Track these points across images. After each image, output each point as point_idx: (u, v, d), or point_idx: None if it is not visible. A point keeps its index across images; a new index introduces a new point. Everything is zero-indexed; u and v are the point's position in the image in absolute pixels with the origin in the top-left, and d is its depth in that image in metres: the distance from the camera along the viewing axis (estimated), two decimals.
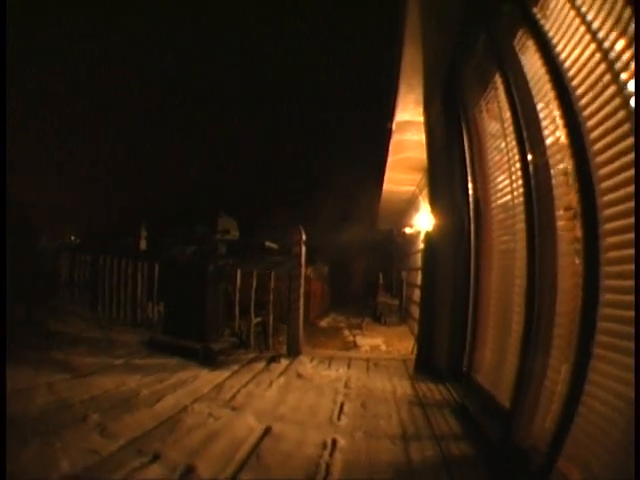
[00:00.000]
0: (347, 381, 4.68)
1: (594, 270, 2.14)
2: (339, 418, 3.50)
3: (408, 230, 12.78)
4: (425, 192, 8.16)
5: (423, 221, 8.73)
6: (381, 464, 2.68)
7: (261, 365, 5.31)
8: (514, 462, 2.65)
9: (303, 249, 6.08)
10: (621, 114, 2.02)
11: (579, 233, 2.33)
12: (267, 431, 3.11)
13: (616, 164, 2.06)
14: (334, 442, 2.96)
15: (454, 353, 4.57)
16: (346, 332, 11.00)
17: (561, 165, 2.61)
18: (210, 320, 5.76)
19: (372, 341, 9.40)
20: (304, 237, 6.11)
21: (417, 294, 9.28)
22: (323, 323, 12.93)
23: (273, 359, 5.55)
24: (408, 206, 12.59)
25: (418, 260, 9.62)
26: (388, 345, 9.01)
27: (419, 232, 9.78)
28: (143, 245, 11.11)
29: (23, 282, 6.59)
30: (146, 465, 2.40)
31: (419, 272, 8.56)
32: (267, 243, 5.95)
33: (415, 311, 9.41)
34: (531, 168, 2.90)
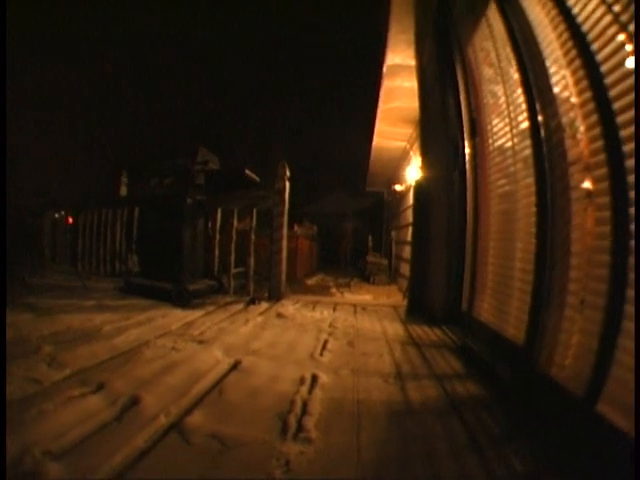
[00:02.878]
0: (332, 321, 4.25)
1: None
2: (322, 354, 3.05)
3: (398, 187, 12.37)
4: (416, 146, 7.69)
5: (414, 175, 8.29)
6: (373, 403, 2.20)
7: (239, 307, 4.90)
8: (533, 403, 2.23)
9: (287, 185, 5.56)
10: None
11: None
12: (235, 365, 2.67)
13: None
14: (314, 378, 2.51)
15: (451, 294, 4.19)
16: (334, 290, 10.58)
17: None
18: (187, 260, 5.27)
19: (360, 297, 8.98)
20: (288, 173, 5.57)
21: (407, 252, 8.88)
22: (310, 282, 12.52)
23: (252, 301, 5.12)
24: (399, 164, 12.14)
25: (409, 216, 9.21)
26: (377, 300, 8.60)
27: (410, 187, 9.35)
28: (123, 192, 10.58)
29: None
30: (86, 395, 2.08)
31: (410, 228, 8.14)
32: (247, 172, 5.40)
33: (405, 269, 9.04)
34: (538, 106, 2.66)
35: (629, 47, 1.77)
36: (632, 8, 1.73)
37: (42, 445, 1.54)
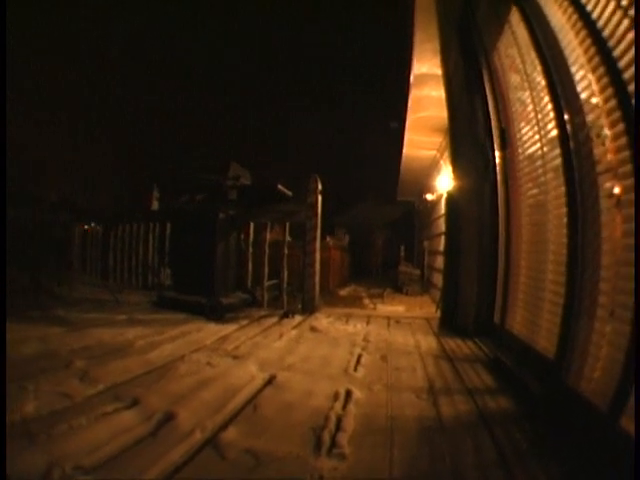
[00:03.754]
0: (366, 335, 4.26)
1: None
2: (355, 369, 3.07)
3: (429, 196, 12.30)
4: (446, 155, 7.66)
5: (445, 184, 8.23)
6: (405, 419, 2.22)
7: (273, 320, 4.96)
8: (563, 418, 2.22)
9: (319, 198, 5.61)
10: None
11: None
12: (270, 380, 2.72)
13: None
14: (348, 393, 2.53)
15: (483, 307, 4.19)
16: (366, 301, 10.55)
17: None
18: (220, 273, 5.36)
19: (393, 308, 8.94)
20: (320, 186, 5.62)
21: (439, 262, 8.82)
22: (343, 292, 12.51)
23: (286, 314, 5.17)
24: (430, 172, 12.06)
25: (441, 225, 9.16)
26: (409, 312, 8.55)
27: (441, 196, 9.30)
28: (155, 206, 10.76)
29: (28, 250, 6.38)
30: (119, 411, 2.10)
31: (442, 237, 8.08)
32: (279, 186, 5.47)
33: (437, 280, 8.97)
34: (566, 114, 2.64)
35: None
36: None
37: (73, 460, 1.57)
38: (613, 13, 2.05)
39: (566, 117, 2.62)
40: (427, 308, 8.43)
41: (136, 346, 3.38)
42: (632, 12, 1.86)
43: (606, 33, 2.12)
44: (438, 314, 5.35)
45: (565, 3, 2.53)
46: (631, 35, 1.87)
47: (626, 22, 1.92)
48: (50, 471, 1.49)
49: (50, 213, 7.84)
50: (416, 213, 17.97)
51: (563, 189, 2.69)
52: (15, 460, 1.52)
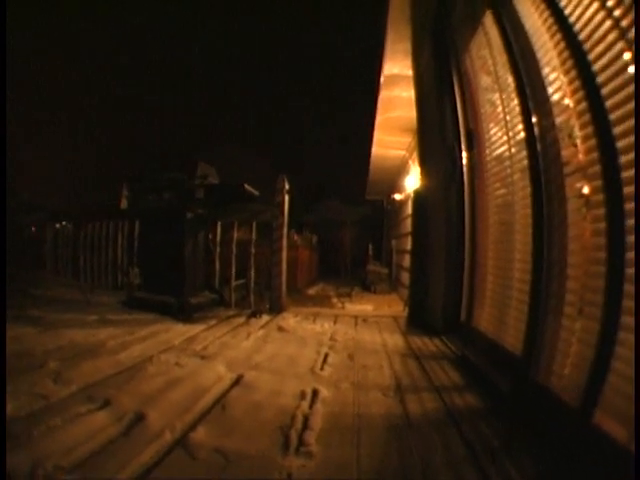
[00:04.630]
0: (333, 334, 4.27)
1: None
2: (322, 368, 3.08)
3: (398, 196, 12.40)
4: (415, 155, 7.74)
5: (413, 184, 8.33)
6: (372, 417, 2.24)
7: (241, 320, 4.94)
8: (532, 415, 2.26)
9: (286, 198, 5.61)
10: None
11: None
12: (238, 380, 2.70)
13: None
14: (315, 392, 2.53)
15: (451, 305, 4.22)
16: (334, 300, 10.60)
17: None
18: (188, 273, 5.30)
19: (361, 307, 9.00)
20: (287, 186, 5.62)
21: (407, 261, 8.90)
22: (311, 291, 12.53)
23: (254, 314, 5.15)
24: (398, 173, 12.18)
25: (408, 225, 9.23)
26: (378, 311, 8.61)
27: (409, 196, 9.39)
28: (124, 204, 10.60)
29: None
30: (92, 411, 2.11)
31: (409, 237, 8.18)
32: (246, 186, 5.44)
33: (406, 278, 9.05)
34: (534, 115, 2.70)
35: (627, 56, 1.79)
36: (631, 15, 1.76)
37: (53, 460, 1.58)
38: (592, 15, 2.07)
39: (534, 119, 2.67)
40: (395, 307, 8.51)
41: (107, 347, 3.35)
42: (616, 13, 1.88)
43: (582, 36, 2.16)
44: (406, 312, 5.40)
45: (542, 6, 2.56)
46: (611, 37, 1.91)
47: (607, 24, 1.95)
48: (35, 471, 1.51)
49: (23, 213, 7.72)
50: (385, 212, 18.09)
51: (530, 189, 2.72)
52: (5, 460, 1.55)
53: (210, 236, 5.98)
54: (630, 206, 1.77)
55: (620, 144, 1.85)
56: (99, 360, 2.97)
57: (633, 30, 1.74)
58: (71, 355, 3.03)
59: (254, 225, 5.88)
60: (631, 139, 1.75)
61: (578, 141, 2.23)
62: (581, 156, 2.21)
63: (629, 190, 1.78)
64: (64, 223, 7.69)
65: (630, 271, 1.74)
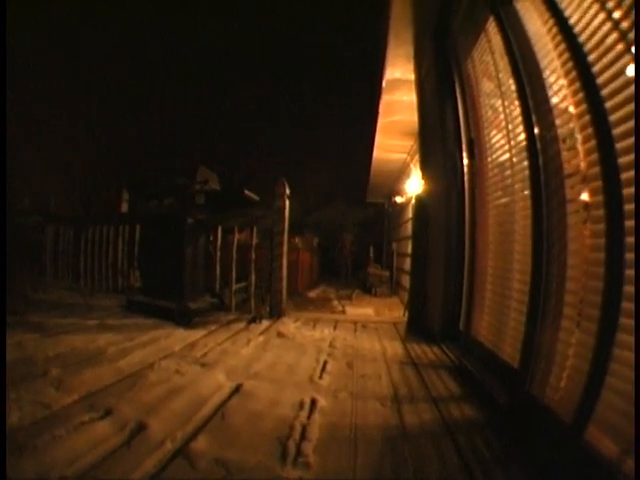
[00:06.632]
0: (332, 341, 4.29)
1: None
2: (321, 377, 3.10)
3: (399, 199, 12.42)
4: (417, 159, 7.76)
5: (414, 187, 8.34)
6: (369, 427, 2.26)
7: (241, 325, 4.96)
8: (528, 428, 2.29)
9: (287, 203, 5.64)
10: None
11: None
12: (237, 389, 2.72)
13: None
14: (313, 402, 2.56)
15: (450, 312, 4.25)
16: (335, 302, 10.65)
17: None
18: (188, 278, 5.32)
19: (362, 310, 9.03)
20: (287, 191, 5.65)
21: (408, 264, 8.92)
22: (312, 294, 12.56)
23: (254, 319, 5.17)
24: (399, 176, 12.21)
25: (409, 229, 9.27)
26: (378, 314, 8.63)
27: (410, 200, 9.42)
28: (124, 208, 10.65)
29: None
30: (95, 420, 2.12)
31: (410, 240, 8.20)
32: (246, 192, 5.47)
33: (406, 281, 9.08)
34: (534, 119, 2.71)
35: (627, 58, 1.81)
36: (632, 17, 1.78)
37: (58, 470, 1.62)
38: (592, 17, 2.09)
39: (534, 121, 2.69)
40: (395, 310, 8.54)
41: (107, 353, 3.36)
42: (616, 15, 1.90)
43: (582, 38, 2.17)
44: (406, 317, 5.42)
45: (543, 8, 2.57)
46: (610, 39, 1.93)
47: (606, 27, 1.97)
48: None
49: (23, 217, 7.71)
50: (386, 215, 18.13)
51: (530, 201, 2.75)
52: (13, 471, 1.58)
53: (211, 239, 6.00)
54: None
55: (620, 145, 1.87)
56: (100, 367, 2.98)
57: (633, 31, 1.77)
58: (72, 362, 3.04)
59: (254, 230, 5.89)
60: (631, 140, 1.77)
61: (577, 143, 2.25)
62: (581, 158, 2.22)
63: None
64: (64, 228, 7.72)
65: (629, 289, 1.76)
